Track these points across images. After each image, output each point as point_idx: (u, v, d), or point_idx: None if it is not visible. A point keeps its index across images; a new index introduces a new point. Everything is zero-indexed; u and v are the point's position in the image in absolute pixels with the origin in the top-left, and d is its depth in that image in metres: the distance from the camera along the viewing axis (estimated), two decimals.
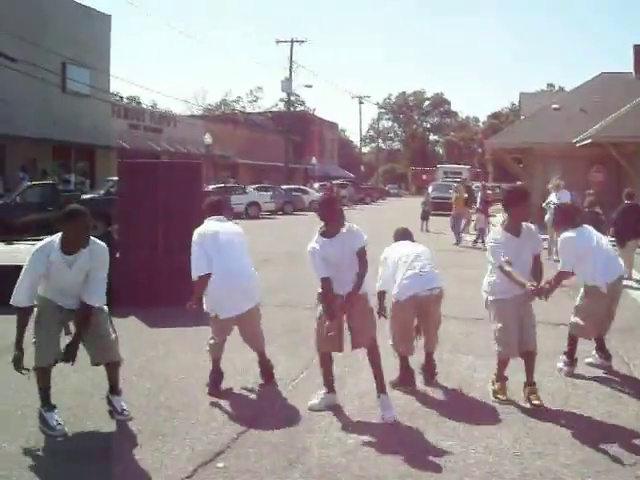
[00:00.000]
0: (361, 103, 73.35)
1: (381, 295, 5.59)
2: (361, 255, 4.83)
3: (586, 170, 20.79)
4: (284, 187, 38.74)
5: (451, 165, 59.88)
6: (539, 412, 4.86)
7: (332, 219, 4.88)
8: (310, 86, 55.76)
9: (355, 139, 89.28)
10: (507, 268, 4.93)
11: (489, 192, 21.09)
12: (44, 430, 4.40)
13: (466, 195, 19.50)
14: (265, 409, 5.00)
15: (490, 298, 5.22)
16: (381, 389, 4.90)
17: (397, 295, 5.36)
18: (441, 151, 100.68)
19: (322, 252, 4.79)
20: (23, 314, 4.42)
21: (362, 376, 5.50)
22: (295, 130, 53.11)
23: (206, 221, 5.53)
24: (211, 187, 27.59)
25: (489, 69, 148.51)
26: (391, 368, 5.45)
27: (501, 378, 5.21)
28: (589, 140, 20.14)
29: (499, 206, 5.36)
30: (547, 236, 12.66)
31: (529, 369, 5.16)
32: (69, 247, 4.44)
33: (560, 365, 5.89)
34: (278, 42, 50.46)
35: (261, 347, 5.52)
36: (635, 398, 5.21)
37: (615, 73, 26.91)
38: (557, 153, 22.08)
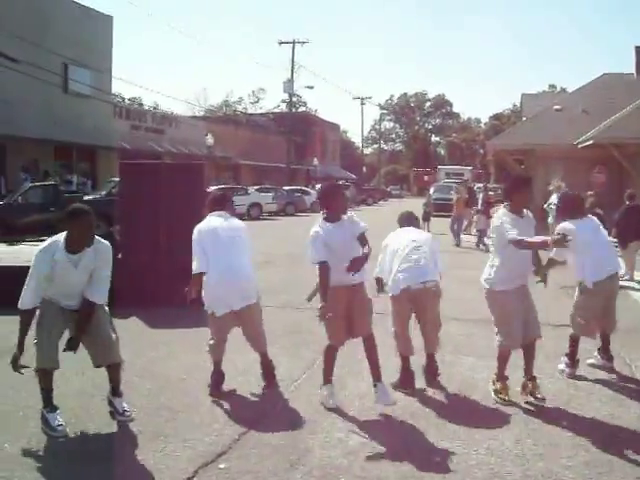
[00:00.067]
0: (363, 104, 73.48)
1: (378, 280, 5.71)
2: (362, 239, 4.95)
3: (588, 171, 20.79)
4: (286, 188, 38.74)
5: (453, 166, 59.88)
6: (541, 413, 4.86)
7: (336, 206, 4.97)
8: (312, 87, 55.82)
9: (357, 140, 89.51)
10: (520, 237, 4.88)
11: (491, 193, 21.08)
12: (46, 431, 4.40)
13: (466, 196, 19.50)
14: (267, 410, 5.00)
15: (495, 289, 5.16)
16: (377, 378, 4.99)
17: (391, 289, 5.43)
18: (443, 152, 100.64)
19: (325, 237, 4.83)
20: (27, 315, 4.43)
21: (362, 377, 5.49)
22: (297, 131, 53.12)
23: (208, 216, 5.49)
24: (212, 188, 27.57)
25: (491, 70, 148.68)
26: (392, 370, 5.45)
27: (502, 377, 5.20)
28: (591, 141, 20.14)
29: (501, 207, 5.35)
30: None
31: (529, 360, 5.20)
32: (74, 246, 4.45)
33: (561, 366, 5.89)
34: (280, 43, 50.52)
35: (263, 348, 5.48)
36: (637, 400, 5.20)
37: (617, 74, 26.94)
38: (559, 154, 22.08)
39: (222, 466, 4.00)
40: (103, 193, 19.53)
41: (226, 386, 5.34)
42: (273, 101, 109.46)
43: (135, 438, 4.39)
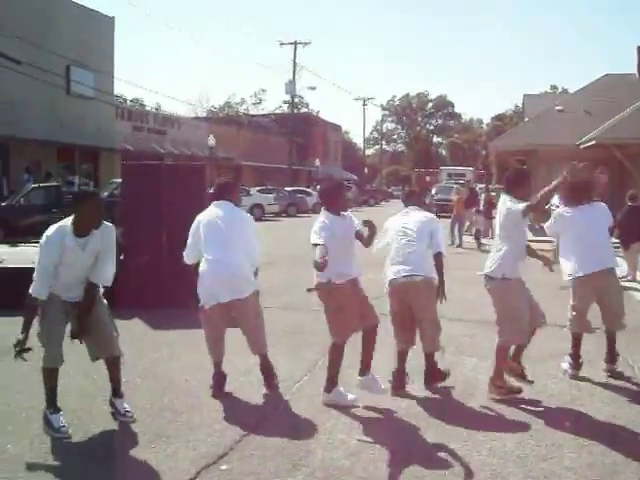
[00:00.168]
0: (365, 105, 73.50)
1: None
2: (359, 236, 5.08)
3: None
4: (288, 189, 38.75)
5: (455, 167, 59.82)
6: (543, 414, 4.85)
7: (337, 205, 5.03)
8: (314, 88, 55.85)
9: (359, 141, 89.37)
10: (533, 199, 4.98)
11: (493, 194, 21.08)
12: (49, 432, 4.41)
13: (466, 197, 19.53)
14: (268, 411, 5.00)
15: (507, 276, 5.14)
16: (368, 368, 5.14)
17: (386, 284, 5.41)
18: (445, 153, 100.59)
19: (331, 227, 4.89)
20: (33, 300, 4.41)
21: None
22: (299, 132, 53.12)
23: (211, 205, 5.45)
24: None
25: (493, 71, 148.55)
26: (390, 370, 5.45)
27: (502, 375, 5.25)
28: (593, 142, 20.12)
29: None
30: (551, 239, 12.60)
31: (522, 348, 5.41)
32: (83, 229, 4.48)
33: (565, 366, 5.87)
34: (282, 44, 50.54)
35: (262, 349, 5.37)
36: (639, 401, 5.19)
37: (619, 74, 26.94)
38: (561, 155, 22.02)
39: (224, 467, 4.00)
40: (105, 194, 19.54)
41: (228, 387, 5.34)
42: (275, 102, 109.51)
43: (137, 439, 4.39)
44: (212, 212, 5.36)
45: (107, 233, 4.64)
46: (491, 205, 18.72)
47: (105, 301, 4.81)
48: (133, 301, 8.11)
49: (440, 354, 5.43)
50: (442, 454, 4.19)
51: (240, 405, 5.09)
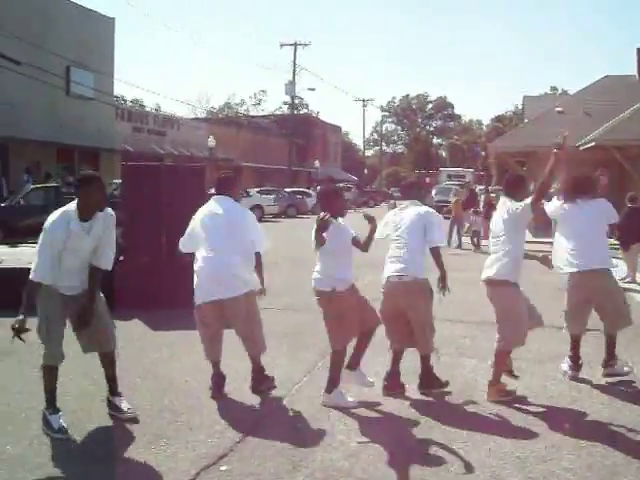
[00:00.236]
0: (364, 106, 73.48)
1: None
2: (356, 241, 5.05)
3: (590, 173, 20.75)
4: (287, 190, 38.76)
5: (454, 168, 59.84)
6: (543, 415, 4.85)
7: (335, 208, 5.01)
8: (313, 89, 56.09)
9: (358, 142, 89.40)
10: (537, 186, 5.05)
11: (492, 195, 21.11)
12: (48, 433, 4.41)
13: (464, 198, 19.57)
14: (268, 412, 5.00)
15: (511, 280, 5.17)
16: (357, 364, 5.19)
17: (382, 282, 5.40)
18: (444, 154, 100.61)
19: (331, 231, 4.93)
20: (36, 285, 4.40)
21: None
22: (298, 133, 53.16)
23: (211, 199, 5.41)
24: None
25: (492, 72, 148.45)
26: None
27: (500, 378, 5.25)
28: (593, 143, 20.12)
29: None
30: (552, 240, 12.62)
31: None
32: (88, 212, 4.51)
33: (564, 368, 5.87)
34: (282, 45, 50.59)
35: (255, 351, 5.29)
36: (639, 402, 5.19)
37: (619, 76, 26.96)
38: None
39: (224, 468, 4.00)
40: None
41: (228, 388, 5.33)
42: (275, 103, 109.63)
43: (137, 440, 4.39)
44: (210, 207, 5.32)
45: (108, 217, 4.68)
46: (491, 206, 18.72)
47: (102, 295, 4.81)
48: (133, 302, 8.12)
49: (435, 356, 5.39)
50: (441, 455, 4.19)
51: (240, 406, 5.09)
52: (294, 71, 50.17)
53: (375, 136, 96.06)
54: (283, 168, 49.47)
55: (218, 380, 5.29)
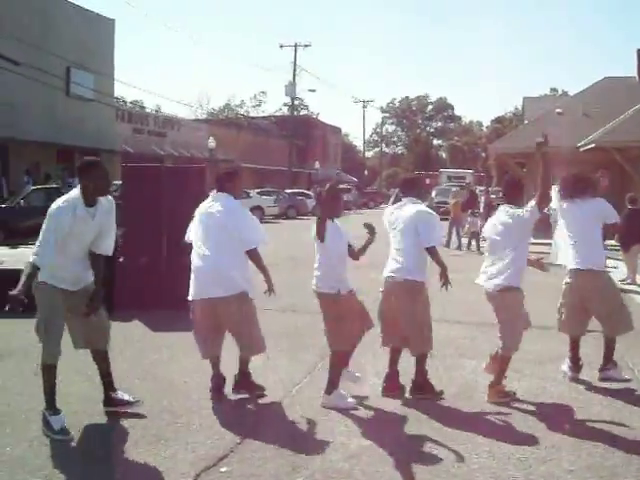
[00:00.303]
0: (364, 107, 73.45)
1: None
2: (351, 251, 5.12)
3: (590, 173, 20.76)
4: (288, 191, 38.77)
5: (454, 170, 59.85)
6: (543, 417, 4.85)
7: (334, 208, 5.02)
8: (314, 90, 56.33)
9: (358, 143, 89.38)
10: (539, 189, 5.13)
11: (493, 196, 21.13)
12: (48, 434, 4.40)
13: (462, 200, 19.58)
14: (268, 414, 4.99)
15: (518, 287, 5.21)
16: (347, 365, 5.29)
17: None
18: (444, 156, 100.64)
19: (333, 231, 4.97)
20: (35, 269, 4.38)
21: (363, 380, 5.50)
22: (299, 134, 53.14)
23: (209, 196, 5.33)
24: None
25: (493, 73, 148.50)
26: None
27: (501, 381, 5.26)
28: (592, 145, 20.13)
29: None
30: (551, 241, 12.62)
31: None
32: (93, 197, 4.55)
33: (564, 369, 5.86)
34: (282, 46, 50.58)
35: (246, 353, 5.21)
36: (639, 404, 5.19)
37: (619, 77, 26.97)
38: (560, 158, 22.03)
39: (223, 469, 3.99)
40: None
41: (227, 389, 5.33)
42: (275, 104, 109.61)
43: (137, 441, 4.39)
44: (207, 205, 5.23)
45: (109, 203, 4.73)
46: (491, 207, 18.74)
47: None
48: (133, 303, 8.13)
49: (430, 360, 5.36)
50: (442, 457, 4.18)
51: (239, 407, 5.08)
52: (294, 72, 50.19)
53: (375, 137, 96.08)
54: (283, 169, 49.47)
55: (218, 381, 5.27)
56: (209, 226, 5.12)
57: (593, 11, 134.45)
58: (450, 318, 7.88)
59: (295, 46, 49.90)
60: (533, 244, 5.67)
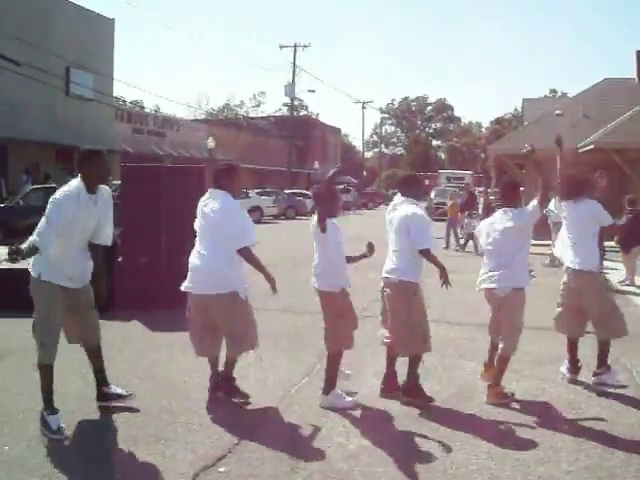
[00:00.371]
0: (364, 108, 73.38)
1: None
2: (348, 257, 5.17)
3: (588, 174, 20.77)
4: (287, 192, 38.76)
5: (453, 171, 59.88)
6: (542, 418, 4.85)
7: (331, 207, 5.01)
8: (313, 91, 56.27)
9: (358, 144, 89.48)
10: (539, 190, 5.24)
11: (492, 197, 21.13)
12: (46, 433, 4.40)
13: (460, 201, 19.58)
14: (267, 414, 4.98)
15: (520, 288, 5.24)
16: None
17: None
18: (444, 156, 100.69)
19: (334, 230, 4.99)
20: (35, 249, 4.46)
21: (362, 381, 5.50)
22: (298, 135, 53.14)
23: (207, 192, 5.22)
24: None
25: (492, 75, 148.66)
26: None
27: (500, 382, 5.26)
28: (592, 146, 20.14)
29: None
30: (550, 242, 12.64)
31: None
32: (94, 184, 4.61)
33: (563, 370, 5.86)
34: (281, 47, 50.57)
35: (233, 351, 5.09)
36: (637, 405, 5.19)
37: (618, 79, 26.96)
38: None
39: (222, 469, 3.99)
40: None
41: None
42: (274, 105, 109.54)
43: (135, 441, 4.38)
44: (203, 202, 5.14)
45: (108, 192, 4.80)
46: (490, 209, 18.74)
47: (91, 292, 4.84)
48: (132, 303, 8.13)
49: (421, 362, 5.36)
50: (440, 457, 4.18)
51: (238, 408, 5.08)
52: (294, 72, 50.15)
53: (374, 138, 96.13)
54: (282, 170, 49.48)
55: (216, 381, 5.27)
56: (204, 225, 5.10)
57: (593, 12, 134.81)
58: (450, 319, 7.88)
59: (295, 46, 49.89)
60: (533, 245, 5.68)
